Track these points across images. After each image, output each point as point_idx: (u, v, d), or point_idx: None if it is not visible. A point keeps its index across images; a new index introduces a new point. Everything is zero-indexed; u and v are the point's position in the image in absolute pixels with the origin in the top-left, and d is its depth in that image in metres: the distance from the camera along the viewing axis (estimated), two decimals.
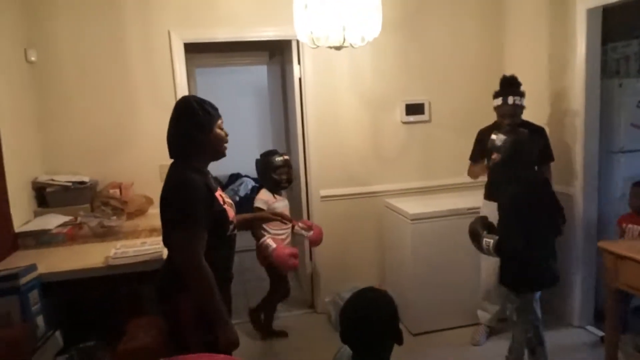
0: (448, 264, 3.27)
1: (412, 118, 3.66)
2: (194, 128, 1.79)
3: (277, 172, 3.19)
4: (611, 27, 3.56)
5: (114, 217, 2.75)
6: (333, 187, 3.60)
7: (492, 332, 3.27)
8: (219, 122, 1.86)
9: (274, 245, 3.10)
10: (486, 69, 3.70)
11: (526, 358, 2.54)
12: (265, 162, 3.23)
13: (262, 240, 3.13)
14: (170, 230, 1.77)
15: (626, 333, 2.72)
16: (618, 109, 3.25)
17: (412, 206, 3.33)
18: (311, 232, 3.21)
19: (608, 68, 3.47)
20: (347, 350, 1.57)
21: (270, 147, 3.76)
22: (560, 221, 2.53)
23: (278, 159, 3.21)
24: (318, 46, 2.33)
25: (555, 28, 3.27)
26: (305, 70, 3.45)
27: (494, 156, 2.45)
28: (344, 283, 3.44)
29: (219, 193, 1.88)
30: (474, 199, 3.34)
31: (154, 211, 2.39)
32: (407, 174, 3.74)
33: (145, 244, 2.45)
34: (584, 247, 3.15)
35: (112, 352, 2.00)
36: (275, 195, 3.23)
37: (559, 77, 3.27)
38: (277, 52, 4.29)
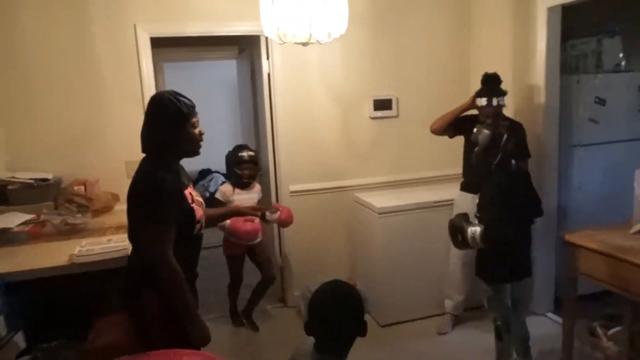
0: (416, 256, 3.34)
1: (380, 113, 3.70)
2: (165, 125, 1.77)
3: (240, 166, 3.23)
4: (571, 25, 3.68)
5: (79, 215, 2.70)
6: (303, 182, 3.61)
7: (458, 320, 3.36)
8: (194, 120, 1.82)
9: (228, 221, 3.08)
10: (453, 64, 3.78)
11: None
12: (231, 156, 3.29)
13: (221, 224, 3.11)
14: (138, 227, 1.76)
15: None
16: (577, 105, 3.36)
17: (380, 200, 3.38)
18: (278, 213, 3.01)
19: (568, 65, 3.57)
20: (309, 341, 1.59)
21: (240, 142, 3.75)
22: (538, 213, 2.61)
23: (243, 153, 3.24)
24: (285, 42, 2.34)
25: (519, 25, 3.35)
26: (274, 65, 3.45)
27: (476, 149, 2.51)
28: (315, 277, 3.45)
29: (188, 191, 1.87)
30: (443, 192, 3.43)
31: (121, 208, 2.36)
32: (377, 169, 3.79)
33: (111, 241, 2.41)
34: (544, 238, 3.25)
35: (79, 351, 1.98)
36: (236, 189, 3.26)
37: (522, 73, 3.36)
38: (247, 47, 4.27)
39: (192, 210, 1.81)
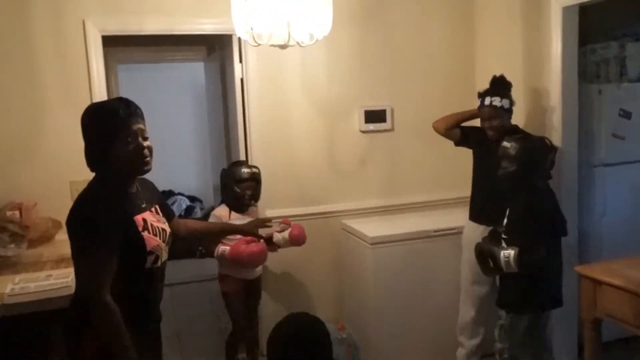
0: (416, 294, 3.36)
1: (372, 126, 3.76)
2: (97, 139, 1.76)
3: (240, 185, 3.13)
4: (590, 28, 3.81)
5: (12, 246, 2.68)
6: (281, 207, 3.62)
7: None
8: (136, 128, 1.77)
9: (227, 247, 3.02)
10: (456, 71, 3.88)
11: None
12: (228, 173, 3.19)
13: (216, 251, 3.06)
14: (73, 258, 1.75)
15: None
16: (598, 118, 3.46)
17: (372, 228, 3.41)
18: (288, 230, 3.08)
19: (587, 72, 3.69)
20: None
21: (208, 161, 3.77)
22: (564, 233, 2.78)
23: (244, 170, 3.16)
24: (260, 44, 2.38)
25: (530, 28, 3.45)
26: (247, 70, 3.49)
27: (507, 165, 2.69)
28: None
29: (142, 216, 1.84)
30: (445, 219, 3.48)
31: (63, 237, 2.33)
32: (368, 191, 3.83)
33: (50, 277, 2.40)
34: (565, 271, 3.30)
35: None
36: (232, 213, 3.16)
37: (534, 82, 3.44)
38: (216, 48, 4.32)
39: (141, 239, 1.79)
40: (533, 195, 2.69)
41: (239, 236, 2.90)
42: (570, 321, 3.35)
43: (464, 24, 3.92)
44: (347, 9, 3.59)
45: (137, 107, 1.82)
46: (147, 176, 1.92)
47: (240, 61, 3.52)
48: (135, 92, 4.41)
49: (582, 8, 3.23)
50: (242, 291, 3.23)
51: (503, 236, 2.76)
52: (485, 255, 2.73)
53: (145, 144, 1.80)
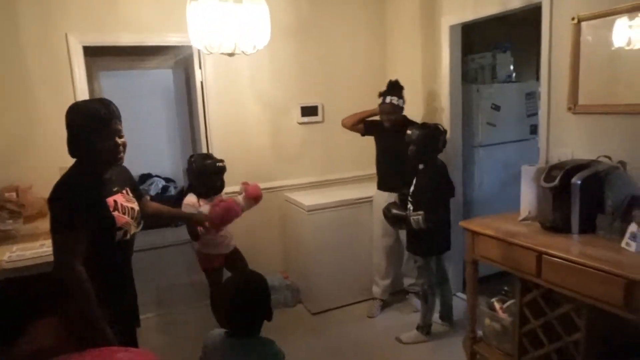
0: (343, 248, 3.41)
1: (307, 119, 3.75)
2: (80, 134, 1.67)
3: (214, 177, 2.88)
4: (472, 41, 3.92)
5: (10, 221, 2.53)
6: (236, 184, 3.55)
7: (385, 304, 3.47)
8: (114, 128, 1.69)
9: (198, 207, 2.75)
10: (372, 74, 3.91)
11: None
12: (203, 166, 2.87)
13: (199, 230, 2.71)
14: (50, 232, 1.66)
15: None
16: (477, 110, 3.58)
17: (308, 199, 3.43)
18: (243, 194, 2.87)
19: (469, 75, 3.80)
20: (217, 331, 1.60)
21: (178, 148, 3.65)
22: (452, 195, 3.01)
23: (219, 164, 2.90)
24: (212, 52, 2.31)
25: (427, 40, 3.52)
26: (206, 74, 3.40)
27: (411, 148, 2.82)
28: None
29: (113, 198, 1.76)
30: (363, 190, 3.53)
31: None
32: (306, 170, 3.83)
33: (44, 246, 2.28)
34: (453, 227, 3.41)
35: (9, 355, 1.85)
36: (201, 200, 2.88)
37: (430, 83, 3.54)
38: (181, 57, 4.18)
39: (111, 218, 1.71)
40: (433, 168, 2.85)
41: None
42: (457, 261, 3.51)
43: (378, 38, 3.95)
44: (285, 25, 3.55)
45: (115, 108, 1.74)
46: (127, 162, 1.84)
47: (200, 67, 3.42)
48: (116, 94, 4.24)
49: (466, 26, 3.32)
50: (224, 265, 3.00)
51: (410, 199, 2.90)
52: (396, 218, 2.86)
53: (120, 141, 1.72)
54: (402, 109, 3.16)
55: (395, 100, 3.10)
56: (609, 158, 2.22)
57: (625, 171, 2.18)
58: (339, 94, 3.83)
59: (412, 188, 2.91)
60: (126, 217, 1.78)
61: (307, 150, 3.82)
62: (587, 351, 2.06)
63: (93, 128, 1.65)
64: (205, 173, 2.85)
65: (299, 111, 3.72)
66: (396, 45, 3.89)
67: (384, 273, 3.40)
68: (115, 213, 1.73)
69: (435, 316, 3.11)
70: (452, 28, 3.29)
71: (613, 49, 2.26)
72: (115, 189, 1.80)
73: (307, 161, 3.82)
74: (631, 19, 2.16)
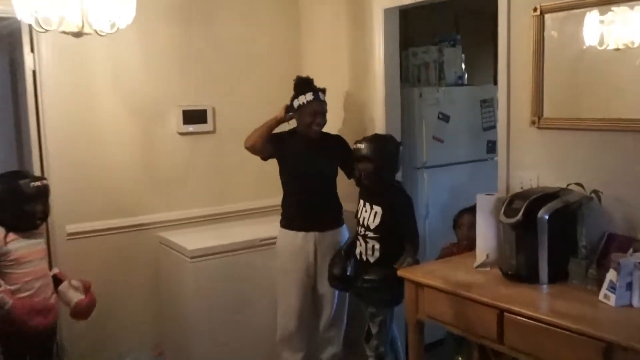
0: (238, 309, 3.37)
1: (191, 128, 3.67)
2: None
3: (30, 202, 2.77)
4: (413, 33, 4.11)
5: None
6: (86, 221, 3.38)
7: None
8: None
9: (9, 300, 2.65)
10: (282, 69, 3.92)
11: None
12: (11, 189, 2.75)
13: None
14: None
15: None
16: (419, 121, 3.72)
17: (192, 240, 3.35)
18: (83, 297, 2.88)
19: (409, 76, 3.96)
20: None
21: None
22: None
23: (34, 184, 2.78)
24: (47, 30, 2.18)
25: (355, 27, 3.62)
26: (41, 60, 3.20)
27: (364, 166, 2.91)
28: (111, 351, 3.23)
29: None
30: (271, 227, 3.47)
31: None
32: (190, 199, 3.73)
33: None
34: None
35: None
36: (11, 234, 2.75)
37: (360, 84, 3.63)
38: (5, 34, 3.91)
39: None
40: (401, 189, 3.03)
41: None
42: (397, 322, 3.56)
43: (290, 22, 4.01)
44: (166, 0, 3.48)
45: None
46: None
47: (32, 51, 3.21)
48: None
49: (405, 13, 3.46)
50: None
51: (372, 234, 2.97)
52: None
53: None
54: None
55: (323, 97, 3.20)
56: (581, 186, 2.38)
57: (600, 203, 2.35)
58: (237, 94, 3.81)
59: (375, 221, 2.96)
60: None
61: (192, 171, 3.73)
62: None
63: None
64: (19, 197, 2.74)
65: (180, 117, 3.63)
66: (314, 34, 3.96)
67: (295, 344, 3.36)
68: None
69: None
70: (388, 12, 3.41)
71: (582, 49, 2.44)
72: None
73: (192, 187, 3.73)
74: (602, 13, 2.37)
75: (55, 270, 2.99)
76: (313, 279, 3.31)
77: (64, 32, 2.23)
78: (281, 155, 3.29)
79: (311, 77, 3.29)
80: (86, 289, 2.93)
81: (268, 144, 3.24)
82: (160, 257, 3.57)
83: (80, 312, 2.91)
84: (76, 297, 2.90)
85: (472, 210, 3.04)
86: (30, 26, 3.12)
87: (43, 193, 2.83)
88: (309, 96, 3.16)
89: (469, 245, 2.91)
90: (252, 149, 3.25)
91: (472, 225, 2.96)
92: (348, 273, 3.09)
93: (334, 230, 3.31)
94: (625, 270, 2.04)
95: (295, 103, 3.19)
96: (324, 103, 3.22)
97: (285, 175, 3.33)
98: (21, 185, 2.74)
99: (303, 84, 3.23)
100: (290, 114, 3.24)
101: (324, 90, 3.25)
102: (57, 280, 2.94)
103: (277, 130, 3.31)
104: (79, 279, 2.95)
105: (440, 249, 3.25)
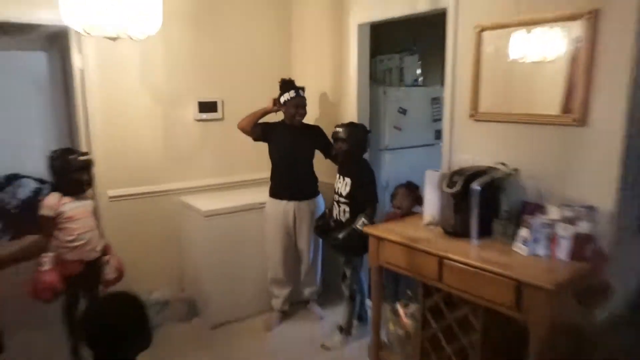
0: (241, 256, 3.37)
1: (205, 115, 3.64)
2: None
3: (78, 173, 2.76)
4: (380, 43, 4.09)
5: None
6: (123, 187, 3.37)
7: (286, 316, 3.47)
8: None
9: (47, 266, 2.64)
10: (277, 71, 3.83)
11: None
12: (64, 162, 2.75)
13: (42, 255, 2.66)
14: None
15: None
16: (384, 113, 3.74)
17: (206, 203, 3.33)
18: (114, 276, 2.91)
19: (377, 77, 3.96)
20: None
21: (53, 144, 3.32)
22: None
23: (81, 158, 2.79)
24: (90, 34, 2.14)
25: (335, 38, 3.60)
26: (87, 60, 3.15)
27: (339, 145, 2.98)
28: (143, 288, 3.24)
29: None
30: (265, 194, 3.46)
31: None
32: (204, 171, 3.71)
33: None
34: None
35: None
36: (65, 198, 2.75)
37: (338, 84, 3.62)
38: (58, 38, 3.82)
39: None
40: (366, 165, 3.07)
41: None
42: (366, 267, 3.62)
43: (284, 33, 3.95)
44: (182, 11, 3.43)
45: None
46: None
47: (79, 52, 3.16)
48: None
49: (375, 27, 3.44)
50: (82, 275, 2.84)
51: (343, 200, 3.03)
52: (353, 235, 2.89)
53: None
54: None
55: (304, 93, 3.20)
56: (505, 165, 2.44)
57: (518, 178, 2.41)
58: (241, 90, 3.77)
59: (346, 189, 3.02)
60: None
61: (206, 149, 3.70)
62: (483, 350, 2.24)
63: None
64: (70, 169, 2.75)
65: (196, 107, 3.60)
66: (303, 42, 3.92)
67: (282, 284, 3.41)
68: None
69: None
70: (361, 27, 3.40)
71: (509, 60, 2.47)
72: None
73: (205, 162, 3.71)
74: (528, 32, 2.39)
75: (105, 242, 2.96)
76: (294, 237, 3.35)
77: (105, 37, 2.19)
78: (269, 139, 3.30)
79: (299, 76, 3.30)
80: (119, 272, 2.95)
81: (257, 129, 3.26)
82: (180, 216, 3.56)
83: (107, 285, 2.92)
84: (109, 273, 2.91)
85: (405, 185, 3.11)
86: (77, 32, 3.09)
87: (87, 165, 2.83)
88: (292, 93, 3.17)
89: (403, 212, 2.97)
90: (242, 130, 3.28)
91: (404, 196, 3.03)
92: (329, 227, 3.13)
93: (310, 200, 3.33)
94: (534, 228, 2.12)
95: (282, 99, 3.20)
96: (304, 98, 3.22)
97: (273, 155, 3.33)
98: (70, 160, 2.75)
99: (287, 84, 3.23)
100: (276, 107, 3.26)
101: (303, 89, 3.24)
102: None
103: (267, 119, 3.32)
104: (118, 260, 2.96)
105: (385, 214, 3.34)
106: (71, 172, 2.75)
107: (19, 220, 3.87)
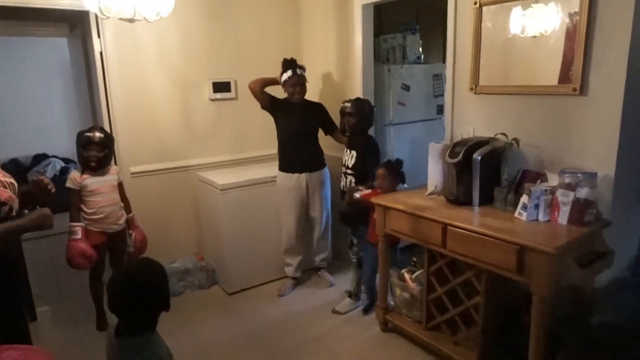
0: (256, 227, 3.34)
1: (219, 95, 3.58)
2: None
3: (86, 149, 2.71)
4: (383, 23, 3.98)
5: None
6: (144, 164, 3.34)
7: (299, 282, 3.46)
8: None
9: (79, 235, 2.68)
10: (287, 51, 3.75)
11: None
12: (78, 138, 2.75)
13: (72, 225, 2.71)
14: None
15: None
16: (388, 90, 3.66)
17: (222, 177, 3.30)
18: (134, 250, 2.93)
19: (381, 56, 3.86)
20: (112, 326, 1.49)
21: (78, 126, 3.30)
22: None
23: (90, 134, 2.71)
24: (108, 17, 2.08)
25: (340, 19, 3.50)
26: (106, 44, 3.09)
27: (347, 119, 2.98)
28: (165, 258, 3.25)
29: None
30: (277, 169, 3.43)
31: None
32: (219, 148, 3.67)
33: None
34: None
35: None
36: (85, 174, 2.74)
37: (344, 63, 3.54)
38: (78, 24, 3.75)
39: None
40: (371, 138, 3.06)
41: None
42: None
43: (292, 15, 3.85)
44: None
45: None
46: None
47: (99, 36, 3.09)
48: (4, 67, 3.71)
49: (378, 7, 3.34)
50: (107, 246, 2.87)
51: (349, 172, 3.02)
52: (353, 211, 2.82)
53: None
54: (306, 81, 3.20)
55: (302, 72, 3.13)
56: (505, 135, 2.38)
57: (519, 147, 2.35)
58: (253, 70, 3.64)
59: (352, 161, 2.99)
60: (9, 191, 1.58)
61: (219, 127, 3.66)
62: (486, 313, 2.22)
63: None
64: (80, 144, 2.73)
65: (210, 87, 3.54)
66: (310, 24, 3.82)
67: (295, 252, 3.40)
68: None
69: None
70: (365, 7, 3.30)
71: (509, 35, 2.38)
72: None
73: (220, 139, 3.67)
74: (524, 8, 2.30)
75: (129, 215, 2.96)
76: (306, 207, 3.32)
77: (121, 19, 2.13)
78: (276, 114, 3.24)
79: (306, 56, 3.22)
80: (142, 244, 2.96)
81: (267, 98, 3.19)
82: (198, 190, 3.54)
83: (131, 257, 2.93)
84: (132, 246, 2.94)
85: (384, 166, 2.83)
86: (96, 16, 3.02)
87: (98, 142, 2.73)
88: (289, 72, 3.11)
89: (384, 191, 2.77)
90: (251, 91, 3.21)
91: (384, 178, 2.77)
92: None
93: (319, 171, 3.28)
94: (534, 195, 2.07)
95: (282, 78, 3.15)
96: (302, 77, 3.13)
97: (281, 131, 3.27)
98: (82, 136, 2.74)
99: (287, 63, 3.16)
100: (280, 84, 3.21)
101: (303, 67, 3.15)
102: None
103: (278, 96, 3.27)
104: (141, 233, 2.98)
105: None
106: (81, 147, 2.74)
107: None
